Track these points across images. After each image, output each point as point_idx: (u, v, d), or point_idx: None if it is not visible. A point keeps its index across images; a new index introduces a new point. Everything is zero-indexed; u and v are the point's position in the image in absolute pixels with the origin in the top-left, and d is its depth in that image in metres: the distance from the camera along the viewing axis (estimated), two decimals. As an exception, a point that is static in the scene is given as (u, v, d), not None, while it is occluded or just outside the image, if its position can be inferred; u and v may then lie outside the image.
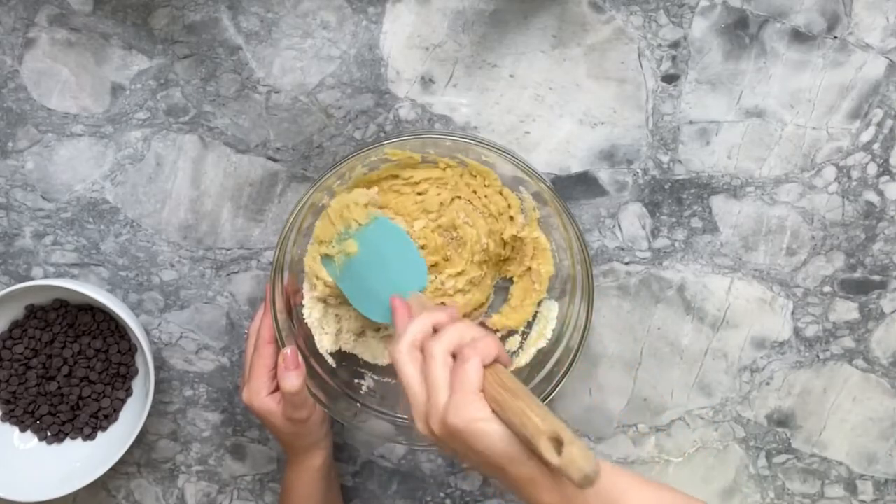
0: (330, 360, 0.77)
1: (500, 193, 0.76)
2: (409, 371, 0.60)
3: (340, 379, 0.77)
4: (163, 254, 0.82)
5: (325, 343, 0.77)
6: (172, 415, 0.85)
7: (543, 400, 0.73)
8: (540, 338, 0.78)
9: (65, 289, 0.77)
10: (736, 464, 0.84)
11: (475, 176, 0.77)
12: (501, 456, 0.55)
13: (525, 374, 0.77)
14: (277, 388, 0.73)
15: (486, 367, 0.58)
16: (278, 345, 0.73)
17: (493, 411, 0.56)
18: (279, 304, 0.73)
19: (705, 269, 0.81)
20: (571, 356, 0.74)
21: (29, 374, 0.80)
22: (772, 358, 0.82)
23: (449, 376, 0.58)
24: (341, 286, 0.73)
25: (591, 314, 0.72)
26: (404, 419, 0.77)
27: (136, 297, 0.83)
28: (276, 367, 0.73)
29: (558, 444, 0.51)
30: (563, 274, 0.78)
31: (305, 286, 0.77)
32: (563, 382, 0.74)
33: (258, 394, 0.73)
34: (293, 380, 0.71)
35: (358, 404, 0.77)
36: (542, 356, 0.78)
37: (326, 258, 0.74)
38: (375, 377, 0.79)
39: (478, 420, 0.55)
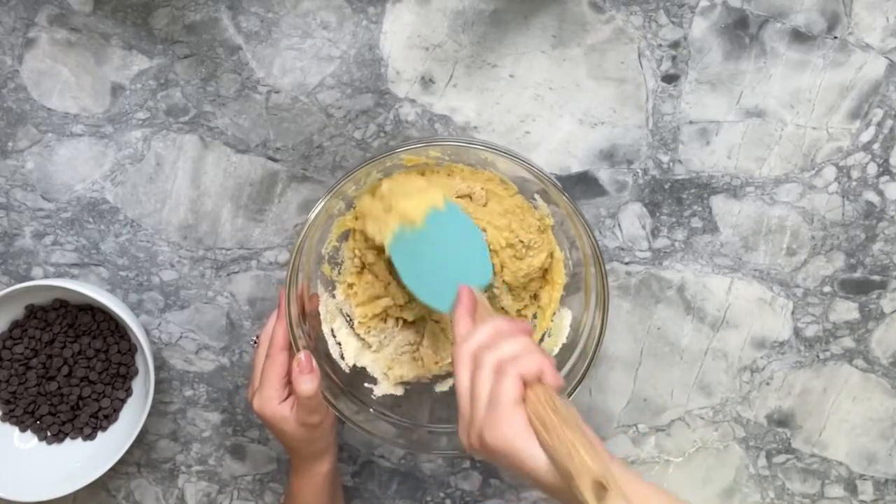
0: (343, 366, 0.77)
1: (519, 206, 0.76)
2: (464, 378, 0.58)
3: (349, 380, 0.77)
4: (163, 254, 0.82)
5: (342, 354, 0.77)
6: (172, 415, 0.85)
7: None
8: (554, 346, 0.77)
9: (65, 289, 0.77)
10: (736, 464, 0.84)
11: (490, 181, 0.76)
12: (535, 479, 0.54)
13: None
14: (290, 395, 0.71)
15: (530, 384, 0.56)
16: (292, 351, 0.71)
17: (536, 431, 0.54)
18: (294, 311, 0.72)
19: (705, 269, 0.81)
20: (587, 362, 0.72)
21: (29, 374, 0.80)
22: (772, 358, 0.82)
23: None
24: (393, 255, 0.70)
25: (607, 317, 0.71)
26: (406, 422, 0.77)
27: (136, 297, 0.83)
28: (289, 373, 0.71)
29: (602, 488, 0.49)
30: (577, 279, 0.76)
31: (322, 293, 0.77)
32: (578, 388, 0.72)
33: (271, 401, 0.71)
34: (308, 383, 0.69)
35: (371, 410, 0.76)
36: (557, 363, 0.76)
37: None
38: (383, 389, 0.79)
39: (513, 439, 0.54)
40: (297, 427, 0.71)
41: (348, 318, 0.78)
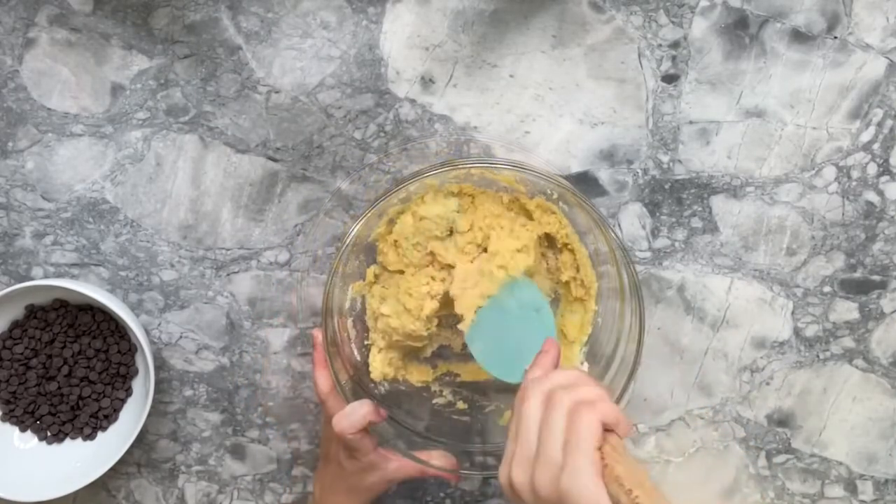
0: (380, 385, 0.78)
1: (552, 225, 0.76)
2: (534, 412, 0.55)
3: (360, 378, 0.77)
4: (163, 254, 0.82)
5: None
6: (172, 415, 0.85)
7: None
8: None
9: (65, 289, 0.77)
10: (736, 464, 0.84)
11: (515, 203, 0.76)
12: None
13: None
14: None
15: (606, 432, 0.54)
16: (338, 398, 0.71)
17: (607, 483, 0.51)
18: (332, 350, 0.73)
19: (705, 269, 0.81)
20: (629, 370, 0.71)
21: (29, 374, 0.80)
22: (772, 358, 0.82)
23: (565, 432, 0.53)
24: (470, 343, 0.71)
25: (644, 319, 0.70)
26: (407, 426, 0.77)
27: (136, 297, 0.83)
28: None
29: None
30: (606, 287, 0.76)
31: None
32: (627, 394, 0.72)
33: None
34: (321, 379, 0.70)
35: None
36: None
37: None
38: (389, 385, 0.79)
39: (590, 487, 0.51)
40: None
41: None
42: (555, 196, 0.75)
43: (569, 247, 0.76)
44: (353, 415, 0.70)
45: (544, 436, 0.54)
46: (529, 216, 0.76)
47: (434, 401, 0.79)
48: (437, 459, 0.73)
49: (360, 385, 0.76)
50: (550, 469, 0.53)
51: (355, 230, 0.70)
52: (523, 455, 0.55)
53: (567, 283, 0.77)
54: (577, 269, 0.76)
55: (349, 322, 0.77)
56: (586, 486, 0.51)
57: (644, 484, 0.51)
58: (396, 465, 0.72)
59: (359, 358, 0.77)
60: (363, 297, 0.78)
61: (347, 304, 0.76)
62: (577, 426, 0.53)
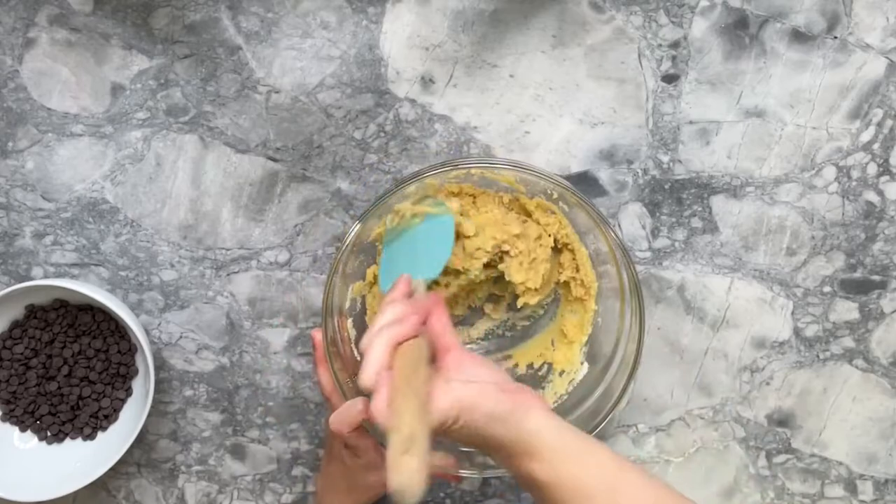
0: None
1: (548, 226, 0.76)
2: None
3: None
4: (163, 254, 0.82)
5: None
6: (172, 415, 0.85)
7: (604, 419, 0.71)
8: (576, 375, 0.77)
9: (65, 289, 0.77)
10: (736, 464, 0.84)
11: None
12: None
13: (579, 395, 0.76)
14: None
15: (402, 343, 0.57)
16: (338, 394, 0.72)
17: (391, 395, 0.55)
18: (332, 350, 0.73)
19: (705, 269, 0.81)
20: (629, 370, 0.71)
21: (29, 374, 0.80)
22: (772, 358, 0.82)
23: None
24: (383, 257, 0.73)
25: (644, 319, 0.70)
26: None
27: (136, 297, 0.83)
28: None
29: (409, 442, 0.51)
30: (606, 288, 0.76)
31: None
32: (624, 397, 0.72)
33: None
34: (339, 423, 0.70)
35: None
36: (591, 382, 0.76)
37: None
38: None
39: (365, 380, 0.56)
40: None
41: None
42: (555, 196, 0.75)
43: (569, 247, 0.76)
44: (348, 413, 0.70)
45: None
46: (529, 215, 0.76)
47: None
48: (437, 459, 0.72)
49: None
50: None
51: (355, 230, 0.70)
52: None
53: (567, 283, 0.77)
54: (577, 269, 0.76)
55: (349, 322, 0.77)
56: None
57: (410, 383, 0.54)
58: None
59: (359, 358, 0.77)
60: (363, 297, 0.78)
61: (347, 304, 0.76)
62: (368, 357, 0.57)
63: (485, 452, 0.61)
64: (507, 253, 0.74)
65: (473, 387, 0.57)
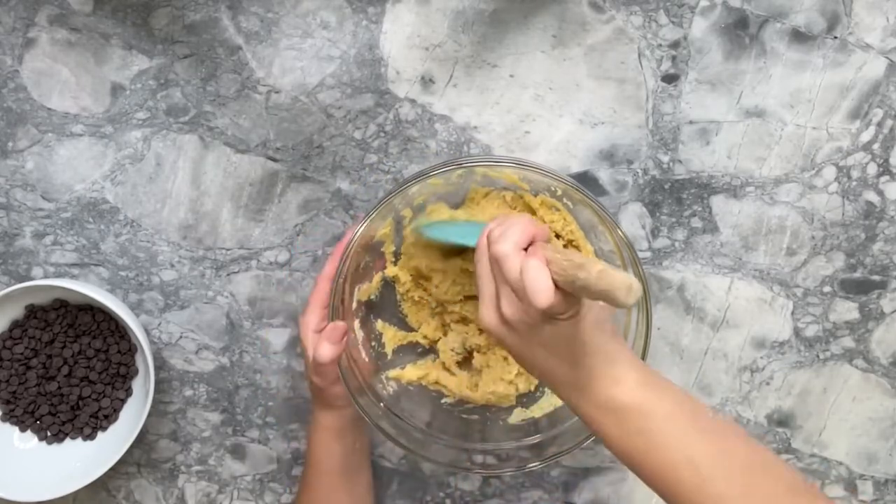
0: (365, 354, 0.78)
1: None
2: (483, 260, 0.60)
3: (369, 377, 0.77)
4: (163, 254, 0.82)
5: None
6: (172, 415, 0.85)
7: None
8: None
9: (65, 289, 0.77)
10: (736, 464, 0.84)
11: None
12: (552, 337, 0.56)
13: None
14: (324, 328, 0.72)
15: (528, 248, 0.58)
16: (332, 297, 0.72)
17: (554, 274, 0.55)
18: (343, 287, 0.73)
19: (705, 269, 0.81)
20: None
21: (29, 374, 0.80)
22: (772, 358, 0.82)
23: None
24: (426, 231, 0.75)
25: (651, 317, 0.70)
26: (408, 422, 0.77)
27: (136, 297, 0.83)
28: (328, 303, 0.72)
29: (630, 288, 0.51)
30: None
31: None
32: None
33: (307, 326, 0.73)
34: (325, 351, 0.70)
35: (382, 405, 0.76)
36: None
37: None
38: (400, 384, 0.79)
39: (535, 270, 0.55)
40: (310, 374, 0.73)
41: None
42: (558, 193, 0.74)
43: (574, 243, 0.76)
44: (334, 332, 0.71)
45: (497, 271, 0.58)
46: (533, 213, 0.76)
47: (443, 400, 0.79)
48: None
49: (367, 385, 0.76)
50: (508, 294, 0.57)
51: (360, 231, 0.70)
52: (487, 293, 0.60)
53: None
54: None
55: (356, 323, 0.77)
56: (513, 267, 0.56)
57: (573, 256, 0.54)
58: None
59: (366, 359, 0.77)
60: (371, 297, 0.78)
61: (354, 306, 0.76)
62: (506, 265, 0.57)
63: (548, 373, 0.60)
64: None
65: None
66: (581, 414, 0.60)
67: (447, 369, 0.79)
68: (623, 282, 0.50)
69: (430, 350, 0.80)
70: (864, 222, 0.80)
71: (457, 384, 0.78)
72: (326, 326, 0.71)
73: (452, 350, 0.78)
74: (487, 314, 0.59)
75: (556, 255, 0.55)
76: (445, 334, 0.79)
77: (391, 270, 0.78)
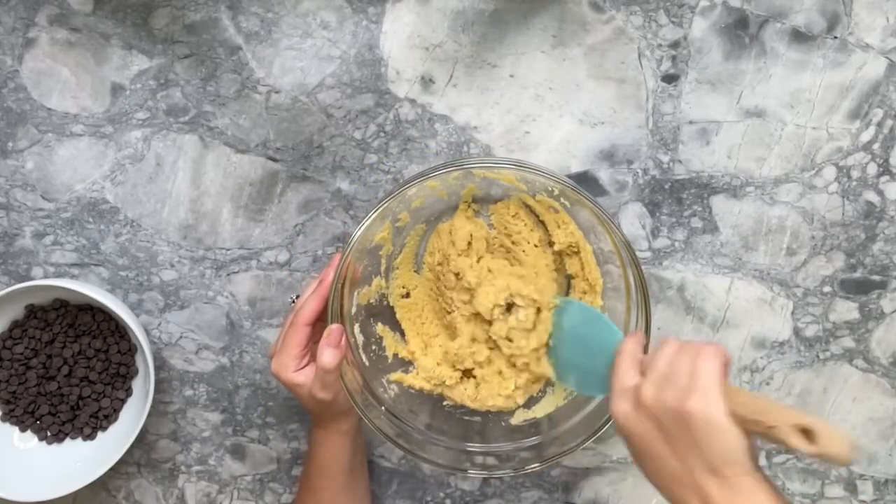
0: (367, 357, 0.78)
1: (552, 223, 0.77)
2: (667, 350, 0.61)
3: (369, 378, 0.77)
4: (163, 254, 0.82)
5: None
6: (172, 415, 0.85)
7: (609, 419, 0.71)
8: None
9: (65, 289, 0.77)
10: (736, 464, 0.84)
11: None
12: (725, 458, 0.56)
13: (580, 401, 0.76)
14: (306, 365, 0.72)
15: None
16: (316, 327, 0.72)
17: (733, 406, 0.56)
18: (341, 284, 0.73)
19: (705, 269, 0.81)
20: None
21: (29, 374, 0.80)
22: (772, 358, 0.82)
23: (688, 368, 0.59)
24: (562, 382, 0.74)
25: (651, 317, 0.70)
26: (408, 423, 0.77)
27: (136, 297, 0.83)
28: (306, 346, 0.72)
29: (807, 433, 0.53)
30: (610, 285, 0.76)
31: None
32: None
33: (287, 368, 0.72)
34: (331, 356, 0.70)
35: (383, 408, 0.76)
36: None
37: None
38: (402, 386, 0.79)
39: (719, 413, 0.56)
40: (309, 398, 0.72)
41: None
42: (556, 193, 0.74)
43: (573, 245, 0.76)
44: (338, 334, 0.71)
45: (675, 363, 0.60)
46: (533, 212, 0.76)
47: (444, 402, 0.79)
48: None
49: (368, 389, 0.76)
50: (677, 389, 0.58)
51: (359, 234, 0.69)
52: (657, 376, 0.60)
53: (573, 278, 0.77)
54: (582, 267, 0.76)
55: (356, 328, 0.76)
56: (713, 406, 0.57)
57: (766, 410, 0.55)
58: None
59: (367, 363, 0.77)
60: (369, 301, 0.78)
61: (353, 310, 0.76)
62: (703, 362, 0.59)
63: (648, 457, 0.61)
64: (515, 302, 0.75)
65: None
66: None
67: (447, 386, 0.79)
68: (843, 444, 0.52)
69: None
70: (864, 222, 0.80)
71: (459, 394, 0.78)
72: (326, 332, 0.70)
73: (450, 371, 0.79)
74: (620, 405, 0.61)
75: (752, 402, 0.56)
76: (427, 352, 0.79)
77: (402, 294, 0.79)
